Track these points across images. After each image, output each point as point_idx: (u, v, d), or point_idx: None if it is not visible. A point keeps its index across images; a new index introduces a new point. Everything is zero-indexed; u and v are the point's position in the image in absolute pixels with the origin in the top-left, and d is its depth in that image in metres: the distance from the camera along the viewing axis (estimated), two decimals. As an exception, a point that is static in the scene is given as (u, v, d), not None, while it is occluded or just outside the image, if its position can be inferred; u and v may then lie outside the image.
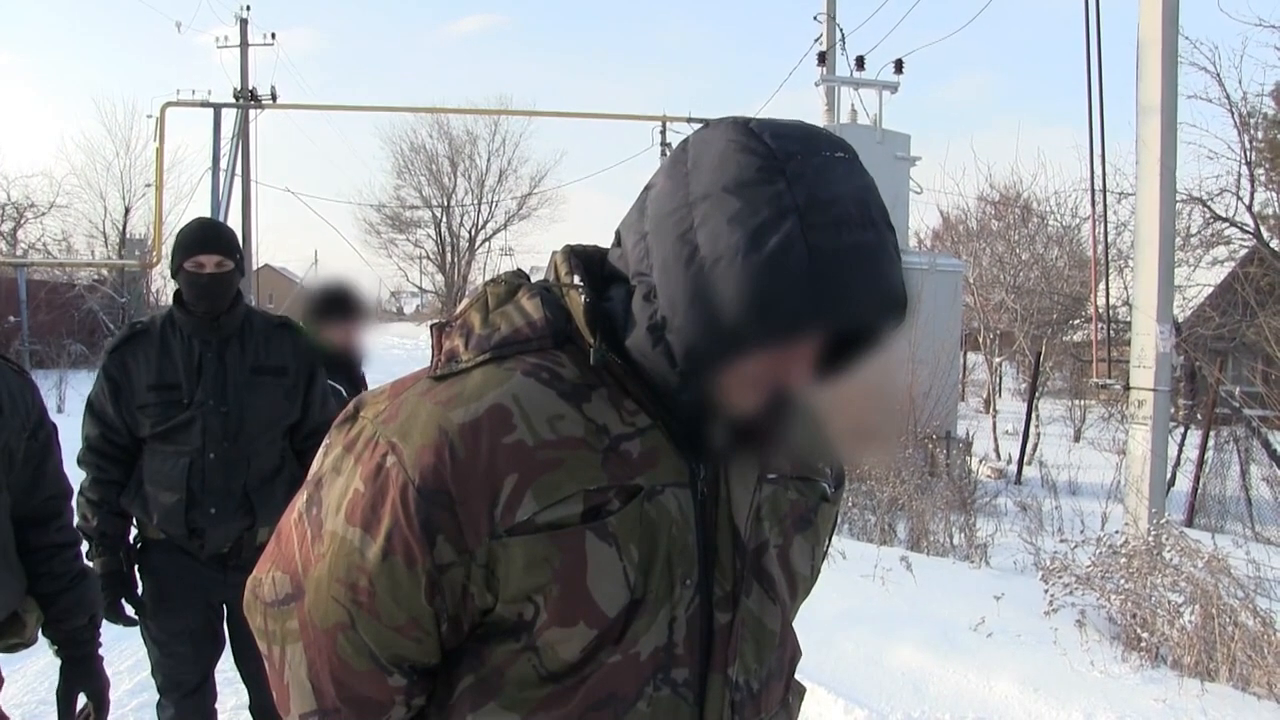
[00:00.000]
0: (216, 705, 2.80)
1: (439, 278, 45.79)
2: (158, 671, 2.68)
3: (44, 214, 23.23)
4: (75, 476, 2.62)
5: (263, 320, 2.73)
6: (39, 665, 3.84)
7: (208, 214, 21.50)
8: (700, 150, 0.91)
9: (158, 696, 2.73)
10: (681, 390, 0.93)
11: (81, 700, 1.98)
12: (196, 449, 2.55)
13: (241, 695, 2.85)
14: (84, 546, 2.57)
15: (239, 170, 23.00)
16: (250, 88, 23.49)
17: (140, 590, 2.67)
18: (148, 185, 22.00)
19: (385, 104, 64.31)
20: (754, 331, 0.85)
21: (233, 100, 23.03)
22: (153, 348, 2.58)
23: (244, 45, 24.25)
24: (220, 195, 22.08)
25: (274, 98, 23.39)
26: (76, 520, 2.58)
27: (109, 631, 3.11)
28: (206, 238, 2.58)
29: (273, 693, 1.04)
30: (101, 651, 2.05)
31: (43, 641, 1.99)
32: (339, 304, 3.39)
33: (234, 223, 22.68)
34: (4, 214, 23.20)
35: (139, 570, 2.67)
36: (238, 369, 2.61)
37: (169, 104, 21.14)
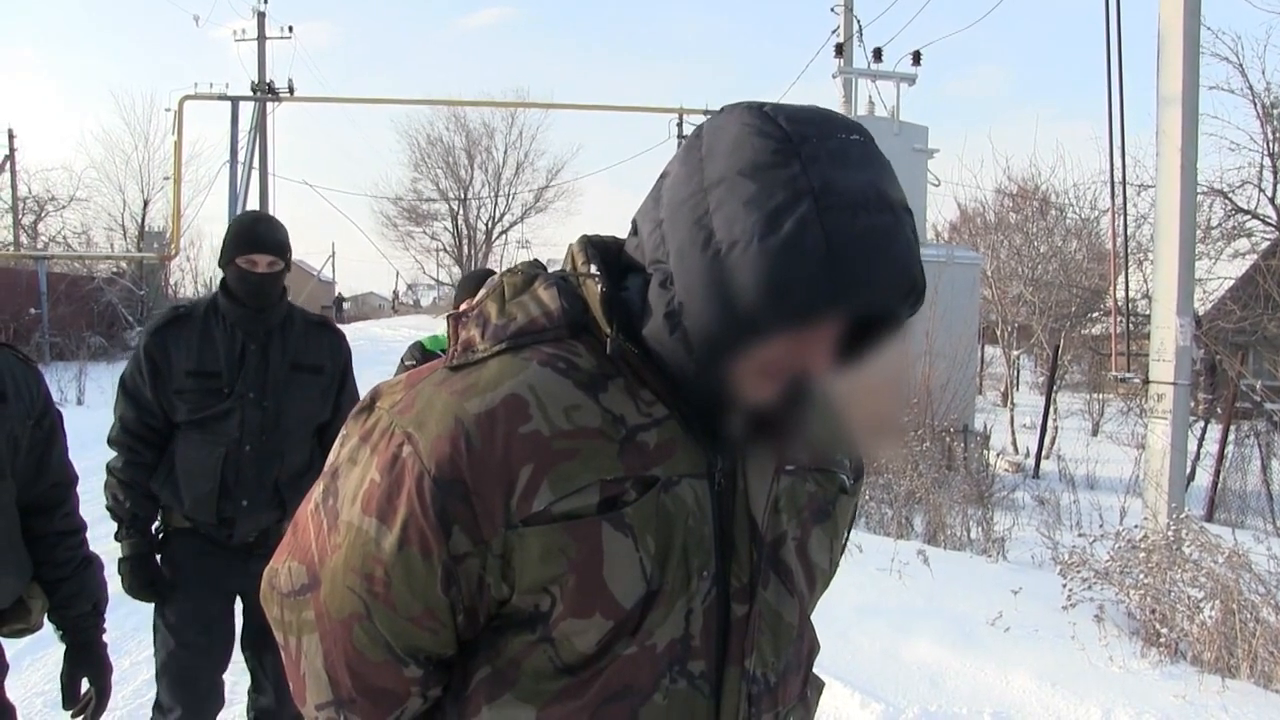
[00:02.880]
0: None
1: (456, 270, 45.96)
2: (164, 674, 2.59)
3: (64, 207, 23.49)
4: (105, 456, 2.62)
5: (303, 318, 2.75)
6: (60, 654, 3.87)
7: (226, 207, 21.71)
8: (715, 136, 0.90)
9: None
10: (698, 378, 0.92)
11: (85, 685, 2.00)
12: (234, 440, 2.55)
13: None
14: (113, 528, 2.58)
15: (256, 163, 23.17)
16: (267, 81, 23.63)
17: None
18: (166, 178, 22.17)
19: (402, 97, 64.51)
20: (770, 316, 0.84)
21: (250, 93, 23.15)
22: (194, 333, 2.58)
23: (261, 39, 24.39)
24: (238, 188, 22.22)
25: (291, 91, 23.51)
26: (107, 501, 2.60)
27: (129, 621, 3.11)
28: (262, 238, 2.58)
29: (289, 683, 1.04)
30: (122, 641, 2.06)
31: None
32: None
33: (251, 216, 22.77)
34: (24, 207, 23.44)
35: (160, 558, 2.66)
36: (279, 364, 2.62)
37: (187, 97, 21.27)
